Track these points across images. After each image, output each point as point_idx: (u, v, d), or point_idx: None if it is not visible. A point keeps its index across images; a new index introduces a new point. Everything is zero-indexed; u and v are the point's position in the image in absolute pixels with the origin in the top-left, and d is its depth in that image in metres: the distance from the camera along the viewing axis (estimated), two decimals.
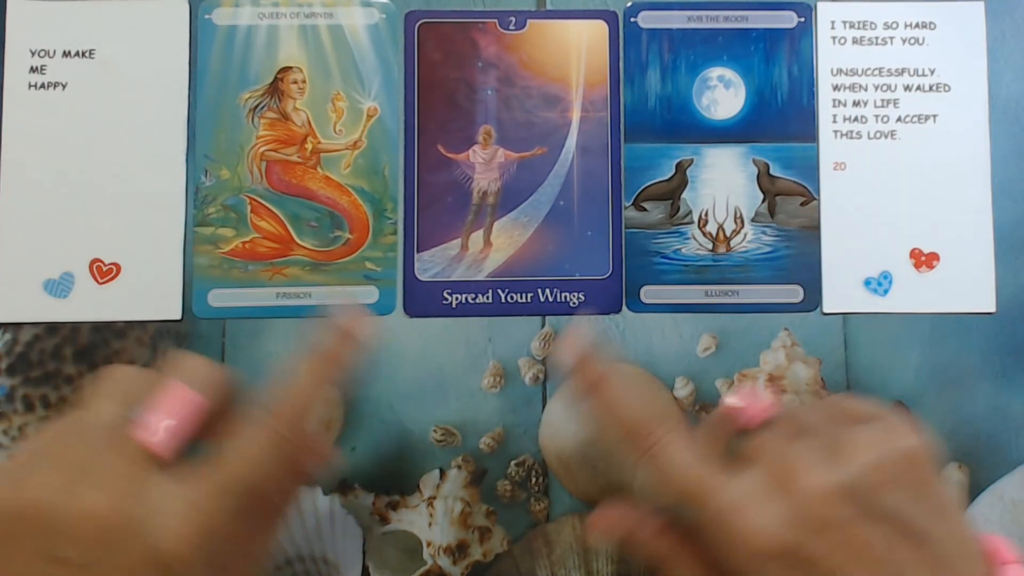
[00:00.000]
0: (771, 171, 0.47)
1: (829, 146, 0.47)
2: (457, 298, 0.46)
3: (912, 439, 0.30)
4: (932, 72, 0.48)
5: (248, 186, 0.46)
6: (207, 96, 0.46)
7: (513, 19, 0.48)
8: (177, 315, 0.45)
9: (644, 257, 0.46)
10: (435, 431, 0.45)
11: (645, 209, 0.47)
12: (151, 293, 0.45)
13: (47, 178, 0.45)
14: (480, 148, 0.47)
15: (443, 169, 0.47)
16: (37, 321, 0.45)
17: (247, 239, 0.46)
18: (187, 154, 0.46)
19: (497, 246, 0.46)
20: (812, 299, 0.46)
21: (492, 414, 0.46)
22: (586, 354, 0.35)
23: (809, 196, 0.47)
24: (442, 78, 0.47)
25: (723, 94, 0.47)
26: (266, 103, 0.46)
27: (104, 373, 0.32)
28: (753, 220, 0.47)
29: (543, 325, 0.46)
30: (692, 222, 0.47)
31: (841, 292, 0.46)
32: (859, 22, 0.48)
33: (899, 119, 0.47)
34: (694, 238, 0.47)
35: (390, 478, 0.45)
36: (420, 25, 0.47)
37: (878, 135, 0.47)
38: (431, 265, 0.46)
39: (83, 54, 0.46)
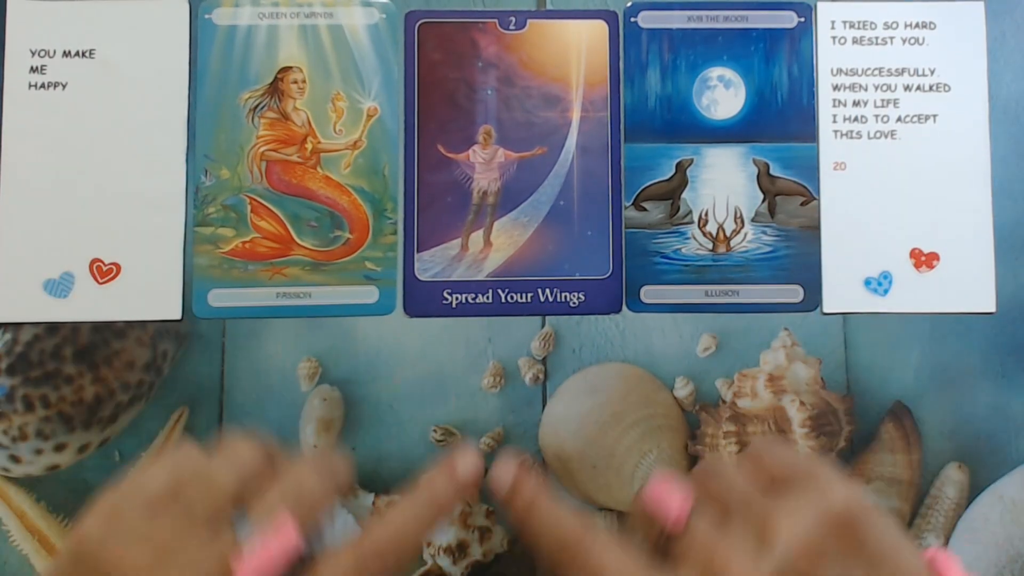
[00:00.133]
0: (771, 171, 0.47)
1: (829, 146, 0.47)
2: (457, 298, 0.46)
3: (838, 495, 0.30)
4: (932, 72, 0.48)
5: (248, 186, 0.46)
6: (207, 96, 0.46)
7: (513, 19, 0.48)
8: (177, 315, 0.45)
9: (644, 257, 0.46)
10: (435, 431, 0.45)
11: (645, 209, 0.47)
12: (151, 293, 0.45)
13: (47, 178, 0.45)
14: (480, 148, 0.47)
15: (443, 169, 0.47)
16: (37, 321, 0.45)
17: (247, 239, 0.46)
18: (187, 154, 0.46)
19: (497, 246, 0.46)
20: (812, 299, 0.46)
21: (492, 414, 0.46)
22: (517, 481, 0.35)
23: (809, 196, 0.47)
24: (442, 78, 0.47)
25: (723, 94, 0.47)
26: (266, 103, 0.46)
27: (228, 448, 0.33)
28: (753, 220, 0.47)
29: (543, 325, 0.46)
30: (692, 222, 0.47)
31: (841, 292, 0.46)
32: (859, 22, 0.48)
33: (899, 119, 0.47)
34: (694, 238, 0.47)
35: (390, 478, 0.45)
36: (420, 25, 0.47)
37: (878, 135, 0.47)
38: (431, 265, 0.46)
39: (83, 54, 0.46)
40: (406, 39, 0.47)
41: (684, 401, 0.46)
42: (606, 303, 0.46)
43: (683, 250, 0.47)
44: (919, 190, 0.47)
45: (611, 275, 0.46)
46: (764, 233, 0.47)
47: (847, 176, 0.47)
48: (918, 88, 0.48)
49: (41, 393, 0.44)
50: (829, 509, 0.30)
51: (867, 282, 0.46)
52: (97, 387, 0.44)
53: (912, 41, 0.48)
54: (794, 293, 0.46)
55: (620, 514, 0.46)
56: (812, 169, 0.47)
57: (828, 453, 0.46)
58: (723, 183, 0.47)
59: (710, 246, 0.47)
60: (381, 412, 0.46)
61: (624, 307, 0.46)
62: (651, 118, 0.47)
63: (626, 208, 0.47)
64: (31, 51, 0.46)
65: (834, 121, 0.47)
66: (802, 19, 0.48)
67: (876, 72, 0.48)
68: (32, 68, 0.46)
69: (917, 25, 0.48)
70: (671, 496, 0.33)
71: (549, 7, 0.48)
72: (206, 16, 0.47)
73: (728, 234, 0.47)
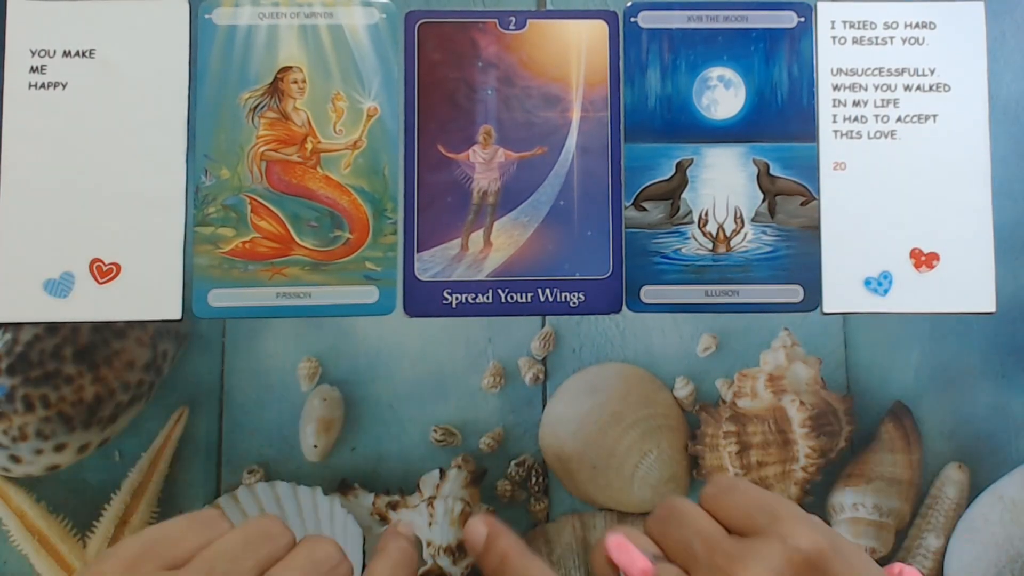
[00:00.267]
0: (771, 171, 0.47)
1: (829, 146, 0.47)
2: (457, 298, 0.46)
3: (802, 537, 0.30)
4: (932, 72, 0.48)
5: (248, 186, 0.46)
6: (207, 96, 0.46)
7: (513, 19, 0.48)
8: (177, 315, 0.45)
9: (644, 257, 0.46)
10: (435, 431, 0.45)
11: (645, 209, 0.47)
12: (151, 293, 0.45)
13: (47, 178, 0.45)
14: (480, 148, 0.47)
15: (443, 169, 0.47)
16: (37, 321, 0.45)
17: (247, 239, 0.46)
18: (187, 154, 0.46)
19: (497, 246, 0.46)
20: (812, 299, 0.46)
21: (492, 414, 0.46)
22: (490, 538, 0.36)
23: (809, 196, 0.47)
24: (442, 78, 0.47)
25: (723, 94, 0.47)
26: (266, 103, 0.46)
27: (253, 523, 0.34)
28: (753, 220, 0.47)
29: (543, 325, 0.46)
30: (692, 222, 0.47)
31: (841, 292, 0.46)
32: (859, 22, 0.48)
33: (899, 119, 0.47)
34: (694, 238, 0.47)
35: (390, 478, 0.45)
36: (420, 25, 0.47)
37: (878, 135, 0.47)
38: (431, 265, 0.46)
39: (83, 54, 0.46)
40: (406, 39, 0.47)
41: (684, 401, 0.46)
42: (606, 303, 0.46)
43: (683, 250, 0.47)
44: (919, 190, 0.47)
45: (611, 275, 0.46)
46: (764, 233, 0.47)
47: (847, 176, 0.47)
48: (918, 88, 0.48)
49: (41, 393, 0.44)
50: (795, 552, 0.30)
51: (867, 282, 0.46)
52: (97, 387, 0.44)
53: (912, 41, 0.48)
54: (794, 293, 0.46)
55: (620, 514, 0.46)
56: (812, 169, 0.47)
57: (828, 453, 0.46)
58: (723, 183, 0.47)
59: (710, 246, 0.47)
60: (381, 412, 0.46)
61: (624, 307, 0.46)
62: (651, 118, 0.47)
63: (626, 208, 0.47)
64: (31, 51, 0.46)
65: (834, 121, 0.47)
66: (802, 19, 0.48)
67: (876, 72, 0.48)
68: (32, 68, 0.46)
69: (917, 25, 0.48)
70: (632, 559, 0.33)
71: (549, 7, 0.48)
72: (206, 16, 0.47)
73: (728, 234, 0.47)
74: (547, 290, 0.46)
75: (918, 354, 0.46)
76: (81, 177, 0.46)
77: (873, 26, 0.48)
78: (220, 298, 0.45)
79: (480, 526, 0.37)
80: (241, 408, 0.45)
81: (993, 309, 0.46)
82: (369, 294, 0.46)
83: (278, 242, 0.46)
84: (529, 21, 0.48)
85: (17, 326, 0.45)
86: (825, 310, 0.46)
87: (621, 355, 0.46)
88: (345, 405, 0.45)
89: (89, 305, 0.45)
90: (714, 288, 0.46)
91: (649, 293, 0.46)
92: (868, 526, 0.45)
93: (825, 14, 0.48)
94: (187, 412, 0.45)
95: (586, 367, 0.46)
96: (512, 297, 0.46)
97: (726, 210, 0.47)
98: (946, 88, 0.48)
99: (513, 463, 0.45)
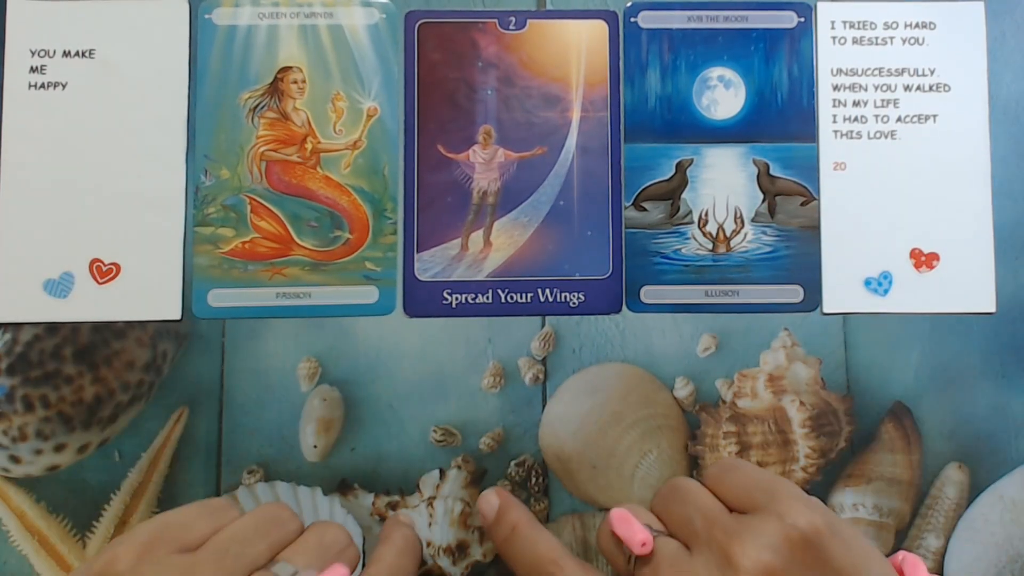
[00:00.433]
0: (771, 171, 0.47)
1: (829, 146, 0.47)
2: (457, 298, 0.46)
3: (800, 516, 0.31)
4: (932, 72, 0.48)
5: (248, 186, 0.46)
6: (207, 96, 0.46)
7: (513, 19, 0.48)
8: (177, 315, 0.45)
9: (644, 257, 0.46)
10: (435, 431, 0.45)
11: (645, 209, 0.47)
12: (151, 293, 0.45)
13: (47, 178, 0.45)
14: (480, 148, 0.47)
15: (443, 169, 0.47)
16: (37, 321, 0.45)
17: (247, 239, 0.46)
18: (187, 154, 0.46)
19: (497, 246, 0.46)
20: (812, 299, 0.46)
21: (492, 414, 0.46)
22: (501, 510, 0.38)
23: (809, 196, 0.47)
24: (442, 78, 0.47)
25: (723, 94, 0.47)
26: (266, 103, 0.46)
27: (262, 510, 0.35)
28: (753, 220, 0.47)
29: (543, 325, 0.46)
30: (692, 222, 0.47)
31: (841, 292, 0.46)
32: (859, 22, 0.48)
33: (899, 119, 0.47)
34: (694, 238, 0.47)
35: (390, 478, 0.45)
36: (420, 25, 0.47)
37: (878, 135, 0.47)
38: (431, 265, 0.46)
39: (83, 54, 0.46)
40: (406, 39, 0.47)
41: (684, 401, 0.46)
42: (606, 303, 0.46)
43: (683, 250, 0.47)
44: (919, 190, 0.47)
45: (611, 275, 0.46)
46: (764, 233, 0.47)
47: (847, 176, 0.47)
48: (918, 88, 0.48)
49: (41, 393, 0.44)
50: (792, 530, 0.30)
51: (867, 282, 0.46)
52: (97, 387, 0.44)
53: (912, 41, 0.48)
54: (794, 293, 0.46)
55: None
56: (812, 169, 0.47)
57: (828, 453, 0.46)
58: (723, 183, 0.47)
59: (710, 246, 0.47)
60: (381, 412, 0.46)
61: (624, 307, 0.46)
62: (651, 118, 0.47)
63: (626, 208, 0.47)
64: (31, 51, 0.46)
65: (834, 121, 0.47)
66: (802, 19, 0.48)
67: (876, 72, 0.48)
68: (32, 68, 0.46)
69: (917, 25, 0.48)
70: (633, 531, 0.33)
71: (549, 7, 0.48)
72: (206, 16, 0.47)
73: (728, 234, 0.47)
74: (547, 290, 0.46)
75: (918, 354, 0.46)
76: (81, 177, 0.46)
77: (873, 26, 0.48)
78: (220, 298, 0.45)
79: (493, 497, 0.38)
80: (241, 408, 0.45)
81: (993, 309, 0.46)
82: (369, 294, 0.46)
83: (278, 242, 0.46)
84: (529, 21, 0.48)
85: (17, 326, 0.45)
86: (825, 310, 0.46)
87: (621, 355, 0.46)
88: (345, 405, 0.45)
89: (89, 305, 0.45)
90: (714, 288, 0.46)
91: (649, 293, 0.46)
92: (868, 526, 0.45)
93: (825, 14, 0.48)
94: (187, 412, 0.45)
95: (586, 367, 0.46)
96: (512, 297, 0.46)
97: (726, 210, 0.47)
98: (946, 88, 0.48)
99: (513, 463, 0.45)
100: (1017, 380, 0.46)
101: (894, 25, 0.48)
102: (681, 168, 0.47)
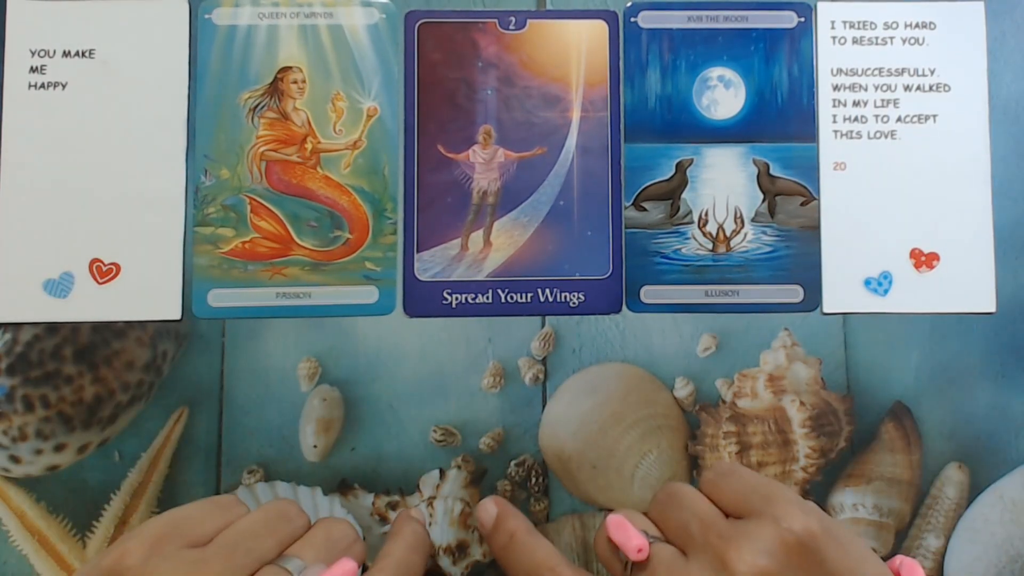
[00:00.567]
0: (771, 171, 0.47)
1: (829, 146, 0.47)
2: (457, 298, 0.46)
3: (795, 520, 0.31)
4: (932, 72, 0.48)
5: (248, 186, 0.46)
6: (207, 96, 0.46)
7: (513, 19, 0.48)
8: (177, 315, 0.45)
9: (644, 257, 0.46)
10: (435, 431, 0.45)
11: (645, 209, 0.47)
12: (151, 293, 0.45)
13: (47, 178, 0.45)
14: (480, 148, 0.47)
15: (443, 169, 0.47)
16: (37, 321, 0.45)
17: (247, 239, 0.46)
18: (187, 154, 0.46)
19: (497, 246, 0.46)
20: (812, 299, 0.46)
21: (492, 414, 0.46)
22: (499, 517, 0.38)
23: (809, 196, 0.47)
24: (442, 78, 0.47)
25: (723, 94, 0.47)
26: (266, 103, 0.46)
27: (270, 505, 0.35)
28: (753, 220, 0.47)
29: (543, 325, 0.46)
30: (692, 222, 0.47)
31: (841, 292, 0.46)
32: (859, 22, 0.48)
33: (899, 119, 0.47)
34: (694, 238, 0.47)
35: (390, 478, 0.45)
36: (420, 25, 0.47)
37: (878, 135, 0.47)
38: (431, 265, 0.46)
39: (83, 54, 0.46)
40: (406, 39, 0.47)
41: (684, 401, 0.46)
42: (606, 303, 0.46)
43: (683, 250, 0.47)
44: (919, 190, 0.47)
45: (611, 275, 0.46)
46: (764, 233, 0.47)
47: (847, 176, 0.47)
48: (918, 88, 0.48)
49: (41, 393, 0.44)
50: (787, 534, 0.30)
51: (867, 282, 0.46)
52: (97, 387, 0.44)
53: (912, 41, 0.48)
54: (794, 293, 0.46)
55: None
56: (812, 169, 0.47)
57: (828, 453, 0.46)
58: (723, 183, 0.47)
59: (710, 246, 0.47)
60: (381, 412, 0.46)
61: (624, 307, 0.46)
62: (651, 118, 0.47)
63: (626, 208, 0.47)
64: (31, 51, 0.46)
65: (834, 121, 0.47)
66: (802, 19, 0.48)
67: (876, 72, 0.48)
68: (32, 68, 0.46)
69: (917, 25, 0.48)
70: (629, 536, 0.33)
71: (549, 7, 0.48)
72: (206, 16, 0.47)
73: (728, 234, 0.47)
74: (547, 290, 0.46)
75: (918, 354, 0.46)
76: (81, 177, 0.46)
77: (873, 26, 0.48)
78: (220, 298, 0.45)
79: (491, 506, 0.39)
80: (241, 408, 0.45)
81: (993, 309, 0.46)
82: (369, 294, 0.46)
83: (278, 242, 0.46)
84: (529, 21, 0.48)
85: (17, 326, 0.45)
86: (825, 310, 0.46)
87: (621, 355, 0.46)
88: (345, 405, 0.45)
89: (89, 305, 0.45)
90: (714, 288, 0.46)
91: (649, 293, 0.46)
92: (868, 526, 0.45)
93: (825, 14, 0.48)
94: (187, 412, 0.45)
95: (586, 367, 0.46)
96: (512, 297, 0.46)
97: (726, 210, 0.47)
98: (946, 88, 0.48)
99: (513, 463, 0.45)
100: (1017, 380, 0.46)
101: (894, 25, 0.48)
102: (681, 168, 0.47)
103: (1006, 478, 0.46)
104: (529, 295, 0.46)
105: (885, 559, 0.33)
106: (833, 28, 0.48)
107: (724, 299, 0.46)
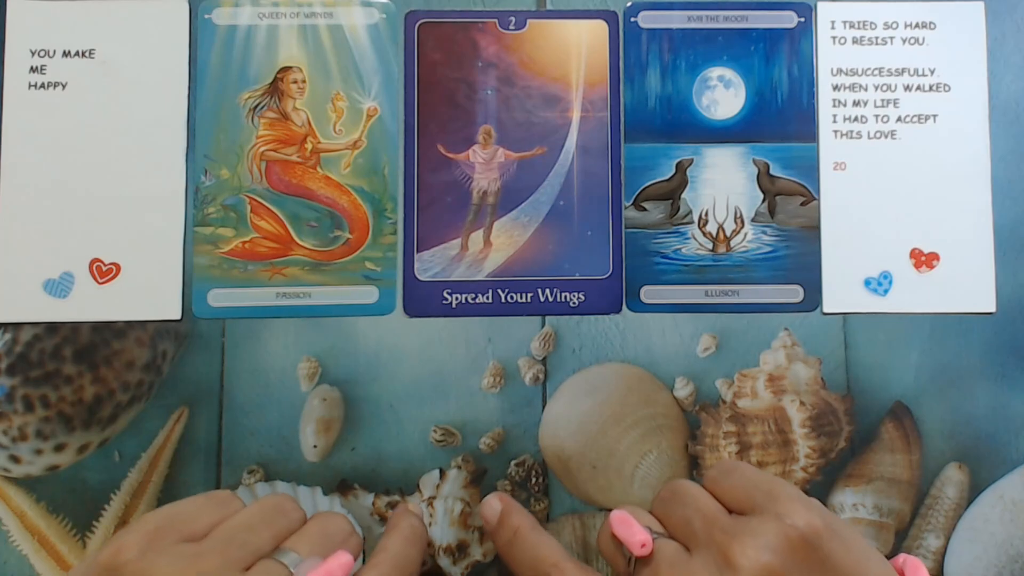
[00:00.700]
0: (771, 171, 0.47)
1: (829, 146, 0.47)
2: (457, 298, 0.46)
3: (798, 517, 0.31)
4: (932, 72, 0.48)
5: (248, 186, 0.46)
6: (207, 96, 0.46)
7: (513, 19, 0.48)
8: (177, 315, 0.45)
9: (644, 257, 0.46)
10: (435, 431, 0.45)
11: (645, 209, 0.47)
12: (151, 293, 0.45)
13: (47, 178, 0.45)
14: (480, 148, 0.47)
15: (443, 169, 0.47)
16: (37, 321, 0.45)
17: (247, 239, 0.46)
18: (187, 154, 0.46)
19: (497, 246, 0.46)
20: (812, 299, 0.46)
21: (492, 414, 0.46)
22: (504, 513, 0.39)
23: (809, 196, 0.47)
24: (442, 78, 0.47)
25: (723, 94, 0.47)
26: (266, 103, 0.46)
27: (266, 500, 0.35)
28: (753, 220, 0.47)
29: (543, 325, 0.46)
30: (692, 222, 0.47)
31: (841, 292, 0.46)
32: (859, 22, 0.48)
33: (899, 119, 0.47)
34: (694, 238, 0.47)
35: (390, 478, 0.45)
36: (420, 25, 0.47)
37: (878, 135, 0.47)
38: (431, 265, 0.46)
39: (83, 54, 0.46)
40: (406, 39, 0.47)
41: (684, 401, 0.46)
42: (606, 303, 0.46)
43: (683, 250, 0.47)
44: (919, 190, 0.47)
45: (611, 275, 0.46)
46: (764, 233, 0.47)
47: (847, 176, 0.47)
48: (918, 88, 0.48)
49: (41, 393, 0.44)
50: (791, 530, 0.30)
51: (867, 282, 0.46)
52: (97, 387, 0.44)
53: (912, 41, 0.48)
54: (794, 293, 0.46)
55: None
56: (812, 169, 0.47)
57: (828, 453, 0.46)
58: (723, 183, 0.47)
59: (710, 246, 0.47)
60: (381, 412, 0.46)
61: (624, 307, 0.46)
62: (651, 118, 0.47)
63: (626, 208, 0.47)
64: (31, 51, 0.46)
65: (834, 121, 0.47)
66: (802, 19, 0.48)
67: (876, 72, 0.48)
68: (32, 68, 0.46)
69: (917, 25, 0.48)
70: (632, 532, 0.33)
71: (549, 7, 0.48)
72: (206, 16, 0.47)
73: (728, 234, 0.47)
74: (547, 290, 0.46)
75: (918, 354, 0.46)
76: (81, 177, 0.46)
77: (873, 26, 0.48)
78: (220, 298, 0.45)
79: (495, 502, 0.39)
80: (241, 408, 0.45)
81: (993, 309, 0.46)
82: (369, 294, 0.46)
83: (278, 242, 0.46)
84: (529, 21, 0.48)
85: (17, 326, 0.45)
86: (825, 310, 0.46)
87: (621, 355, 0.46)
88: (345, 405, 0.45)
89: (89, 305, 0.45)
90: (714, 288, 0.46)
91: (649, 293, 0.46)
92: (868, 526, 0.45)
93: (825, 14, 0.48)
94: (187, 412, 0.45)
95: (586, 367, 0.46)
96: (512, 297, 0.46)
97: (726, 210, 0.47)
98: (946, 88, 0.48)
99: (513, 463, 0.45)
100: (1017, 380, 0.46)
101: (894, 25, 0.48)
102: (681, 168, 0.47)
103: (1006, 478, 0.46)
104: (529, 295, 0.46)
105: (887, 558, 0.33)
106: (833, 28, 0.48)
107: (724, 299, 0.46)
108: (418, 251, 0.46)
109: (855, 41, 0.48)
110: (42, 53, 0.46)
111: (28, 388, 0.44)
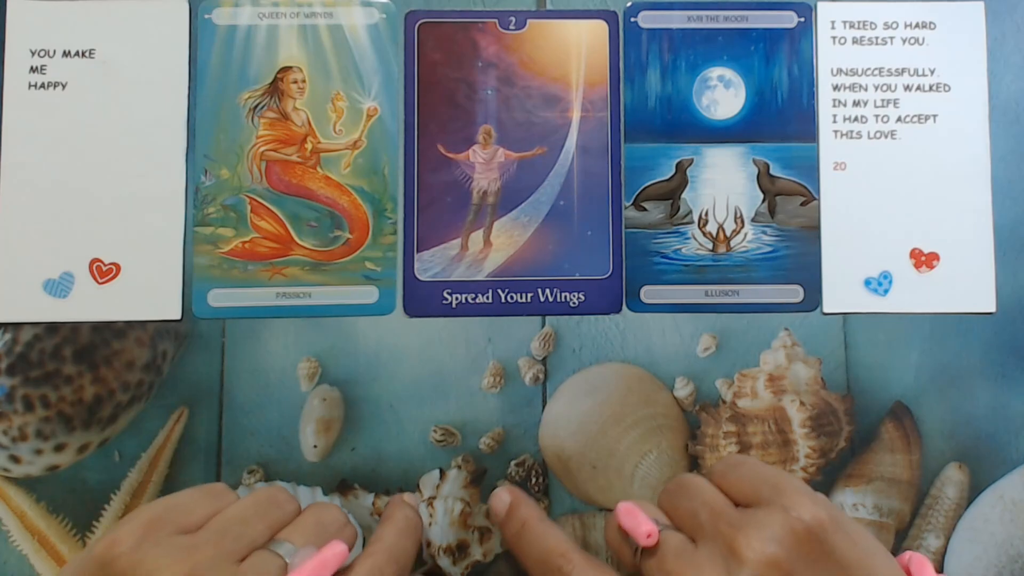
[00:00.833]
0: (771, 171, 0.47)
1: (829, 146, 0.47)
2: (457, 298, 0.46)
3: (804, 510, 0.31)
4: (932, 72, 0.48)
5: (248, 186, 0.46)
6: (207, 96, 0.46)
7: (513, 19, 0.48)
8: (177, 315, 0.45)
9: (644, 257, 0.46)
10: (435, 431, 0.45)
11: (645, 209, 0.47)
12: (151, 293, 0.45)
13: (47, 178, 0.45)
14: (480, 148, 0.47)
15: (443, 169, 0.47)
16: (37, 321, 0.45)
17: (247, 239, 0.46)
18: (187, 154, 0.46)
19: (497, 246, 0.46)
20: (812, 299, 0.46)
21: (492, 414, 0.46)
22: (512, 506, 0.39)
23: (809, 196, 0.47)
24: (442, 78, 0.47)
25: (723, 94, 0.47)
26: (266, 103, 0.46)
27: (261, 492, 0.35)
28: (753, 220, 0.47)
29: (543, 325, 0.46)
30: (692, 222, 0.47)
31: (841, 292, 0.46)
32: (859, 22, 0.48)
33: (899, 119, 0.47)
34: (694, 238, 0.47)
35: (390, 478, 0.45)
36: (420, 25, 0.47)
37: (878, 135, 0.47)
38: (431, 265, 0.46)
39: (83, 54, 0.46)
40: (406, 39, 0.47)
41: (684, 401, 0.46)
42: (606, 303, 0.46)
43: (683, 250, 0.47)
44: (919, 190, 0.47)
45: (611, 275, 0.46)
46: (764, 233, 0.47)
47: (847, 176, 0.47)
48: (918, 88, 0.48)
49: (41, 393, 0.44)
50: (796, 523, 0.30)
51: (867, 282, 0.46)
52: (97, 387, 0.44)
53: (912, 41, 0.48)
54: (794, 293, 0.46)
55: None
56: (812, 169, 0.47)
57: (828, 453, 0.46)
58: (723, 183, 0.47)
59: (710, 246, 0.47)
60: (381, 412, 0.46)
61: (624, 307, 0.46)
62: (651, 118, 0.47)
63: (626, 208, 0.47)
64: (31, 51, 0.46)
65: (834, 121, 0.47)
66: (802, 19, 0.48)
67: (876, 72, 0.48)
68: (32, 68, 0.46)
69: (917, 25, 0.48)
70: (638, 522, 0.33)
71: (549, 7, 0.48)
72: (206, 16, 0.47)
73: (728, 234, 0.47)
74: (547, 290, 0.46)
75: (918, 354, 0.46)
76: (81, 177, 0.46)
77: (873, 26, 0.48)
78: (220, 298, 0.45)
79: (504, 495, 0.39)
80: (241, 408, 0.45)
81: (993, 309, 0.46)
82: (369, 294, 0.46)
83: (278, 242, 0.46)
84: (529, 21, 0.48)
85: (17, 326, 0.45)
86: (825, 310, 0.46)
87: (621, 355, 0.46)
88: (345, 405, 0.45)
89: (89, 305, 0.45)
90: (714, 288, 0.46)
91: (649, 293, 0.46)
92: (868, 526, 0.45)
93: (825, 14, 0.48)
94: (187, 412, 0.45)
95: (586, 367, 0.46)
96: (512, 297, 0.46)
97: (726, 210, 0.47)
98: (946, 88, 0.48)
99: (513, 463, 0.45)
100: (1017, 380, 0.46)
101: (894, 25, 0.48)
102: (681, 168, 0.47)
103: (1006, 478, 0.46)
104: (529, 295, 0.46)
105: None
106: (833, 28, 0.48)
107: (724, 299, 0.46)
108: (418, 251, 0.46)
109: (855, 41, 0.48)
110: (42, 53, 0.46)
111: (28, 388, 0.44)
